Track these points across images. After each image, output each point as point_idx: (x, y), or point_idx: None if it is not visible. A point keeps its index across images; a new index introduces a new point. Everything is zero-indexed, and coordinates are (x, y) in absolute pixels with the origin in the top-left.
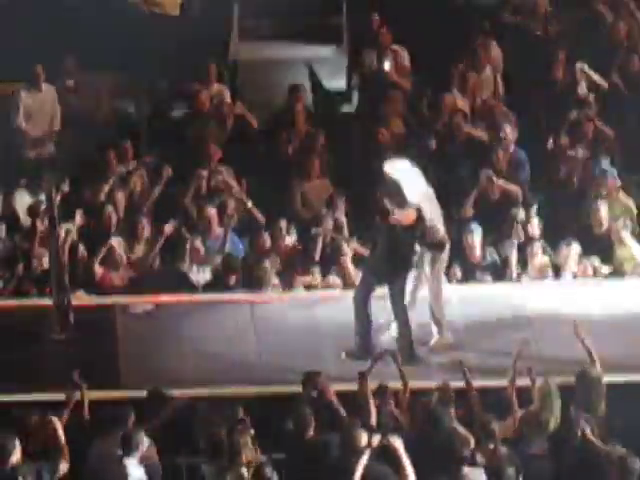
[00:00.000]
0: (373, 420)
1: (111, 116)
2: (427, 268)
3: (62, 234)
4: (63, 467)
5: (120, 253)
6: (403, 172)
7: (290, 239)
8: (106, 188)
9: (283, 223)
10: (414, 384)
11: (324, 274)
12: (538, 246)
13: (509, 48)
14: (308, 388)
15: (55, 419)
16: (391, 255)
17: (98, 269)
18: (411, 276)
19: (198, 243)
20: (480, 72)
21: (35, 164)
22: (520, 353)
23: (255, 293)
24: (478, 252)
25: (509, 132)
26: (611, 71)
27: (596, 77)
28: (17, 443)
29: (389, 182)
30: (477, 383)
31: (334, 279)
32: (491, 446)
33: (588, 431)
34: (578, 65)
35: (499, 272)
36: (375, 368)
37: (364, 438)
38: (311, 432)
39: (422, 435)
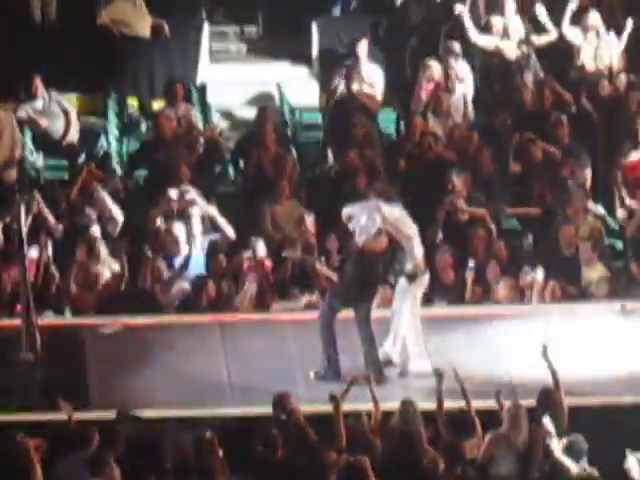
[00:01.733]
0: (343, 442)
1: (81, 137)
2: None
3: (31, 255)
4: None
5: (96, 272)
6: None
7: (268, 260)
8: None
9: (261, 244)
10: (388, 405)
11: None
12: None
13: (478, 70)
14: (278, 410)
15: (29, 441)
16: (359, 280)
17: (73, 288)
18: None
19: (162, 265)
20: (452, 94)
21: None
22: (458, 377)
23: (224, 314)
24: (449, 273)
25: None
26: (580, 95)
27: (561, 90)
28: None
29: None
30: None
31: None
32: (459, 469)
33: (556, 450)
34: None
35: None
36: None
37: (332, 458)
38: (279, 453)
39: (393, 457)
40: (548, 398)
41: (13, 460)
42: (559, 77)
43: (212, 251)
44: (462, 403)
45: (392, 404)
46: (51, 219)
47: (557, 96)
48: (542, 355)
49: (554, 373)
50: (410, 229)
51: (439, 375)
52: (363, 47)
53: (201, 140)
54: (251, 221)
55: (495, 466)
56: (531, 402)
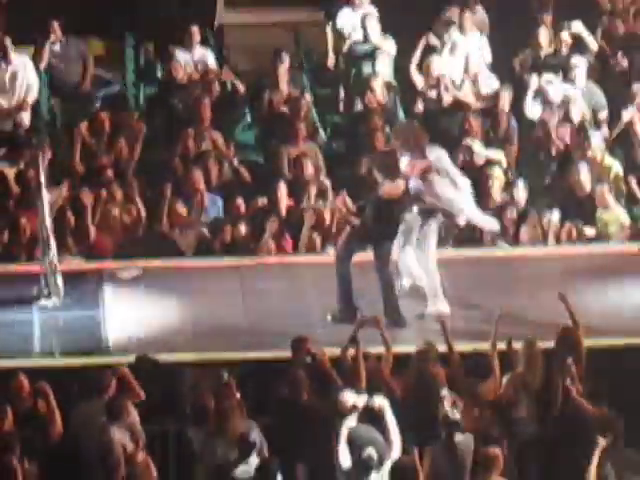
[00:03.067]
0: (363, 384)
1: (97, 81)
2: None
3: (49, 199)
4: (55, 433)
5: (115, 215)
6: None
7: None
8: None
9: (282, 186)
10: (404, 348)
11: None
12: (514, 211)
13: (494, 13)
14: (298, 353)
15: (47, 386)
16: (377, 223)
17: (93, 232)
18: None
19: (180, 207)
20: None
21: (13, 134)
22: (500, 318)
23: (243, 257)
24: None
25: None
26: (596, 36)
27: (588, 38)
28: (8, 409)
29: (382, 153)
30: (461, 347)
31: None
32: (476, 410)
33: (574, 391)
34: (567, 25)
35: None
36: (364, 332)
37: (352, 401)
38: (305, 396)
39: (413, 400)
40: (568, 338)
41: (34, 405)
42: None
43: (230, 194)
44: (478, 345)
45: (410, 347)
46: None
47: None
48: (560, 299)
49: (572, 315)
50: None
51: (442, 323)
52: None
53: (217, 83)
54: (268, 163)
55: (513, 408)
56: (548, 344)
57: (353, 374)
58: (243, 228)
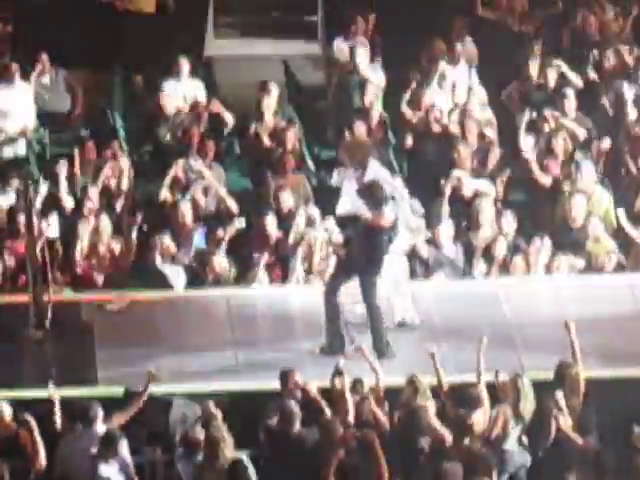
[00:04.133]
0: (351, 417)
1: (86, 113)
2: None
3: (40, 231)
4: (39, 466)
5: (104, 248)
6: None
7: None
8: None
9: (271, 217)
10: (391, 380)
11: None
12: (503, 242)
13: (484, 44)
14: (285, 385)
15: (31, 418)
16: (365, 253)
17: (81, 264)
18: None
19: (167, 240)
20: (455, 66)
21: (9, 163)
22: (482, 348)
23: (231, 289)
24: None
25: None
26: (586, 67)
27: (572, 75)
28: None
29: (368, 182)
30: (450, 379)
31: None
32: (466, 442)
33: (562, 423)
34: (554, 62)
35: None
36: (352, 364)
37: (341, 434)
38: (297, 428)
39: (401, 431)
40: (564, 372)
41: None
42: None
43: (213, 226)
44: (467, 377)
45: (398, 378)
46: (63, 195)
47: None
48: (565, 327)
49: (573, 346)
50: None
51: (432, 355)
52: (360, 25)
53: (205, 115)
54: (257, 195)
55: (504, 439)
56: (540, 375)
57: (340, 405)
58: (224, 260)
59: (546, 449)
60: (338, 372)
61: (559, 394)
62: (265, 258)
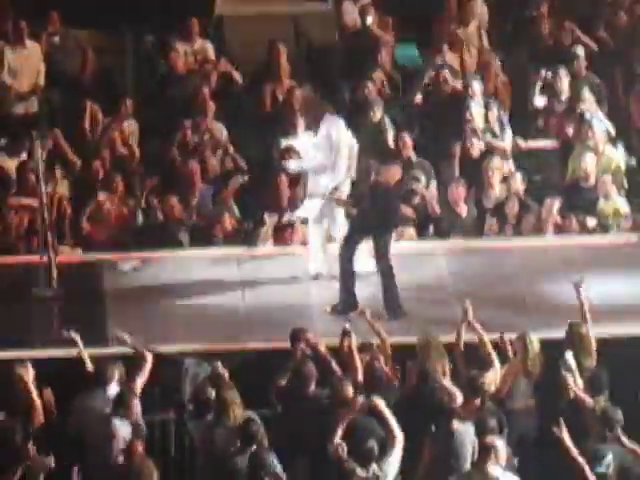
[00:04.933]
0: (360, 376)
1: (97, 72)
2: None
3: (48, 190)
4: (36, 421)
5: (108, 208)
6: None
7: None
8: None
9: (284, 177)
10: (401, 339)
11: None
12: (515, 201)
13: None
14: (296, 344)
15: (25, 374)
16: (376, 212)
17: (85, 225)
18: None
19: (174, 201)
20: (466, 27)
21: (20, 120)
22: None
23: (242, 247)
24: (464, 207)
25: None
26: (598, 26)
27: (586, 39)
28: None
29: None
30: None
31: None
32: (477, 401)
33: (571, 383)
34: (567, 25)
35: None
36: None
37: (351, 392)
38: (312, 387)
39: (411, 390)
40: (574, 332)
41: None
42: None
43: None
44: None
45: (410, 337)
46: (70, 154)
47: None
48: (574, 287)
49: (583, 306)
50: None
51: (464, 311)
52: None
53: (215, 74)
54: (267, 155)
55: (513, 398)
56: (549, 334)
57: (349, 365)
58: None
59: (558, 409)
60: (345, 333)
61: (568, 354)
62: (275, 218)
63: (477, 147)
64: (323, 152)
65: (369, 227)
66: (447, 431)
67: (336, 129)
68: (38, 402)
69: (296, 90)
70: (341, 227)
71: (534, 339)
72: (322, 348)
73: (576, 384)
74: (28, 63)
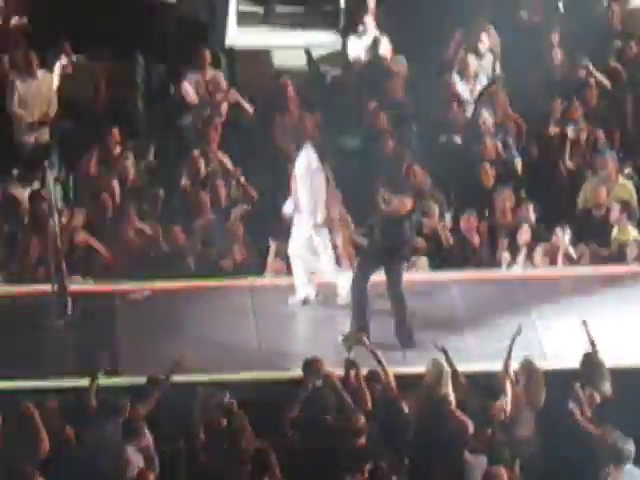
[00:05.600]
0: (369, 405)
1: (108, 102)
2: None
3: (61, 220)
4: (44, 449)
5: (122, 238)
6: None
7: None
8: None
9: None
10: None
11: None
12: (527, 230)
13: (503, 33)
14: (309, 374)
15: (31, 405)
16: (387, 242)
17: (99, 254)
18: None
19: (178, 230)
20: (482, 58)
21: (31, 150)
22: (514, 339)
23: (253, 277)
24: (475, 236)
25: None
26: (609, 57)
27: (599, 76)
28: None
29: (387, 168)
30: (475, 367)
31: None
32: (489, 431)
33: (577, 413)
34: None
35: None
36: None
37: (362, 422)
38: (329, 417)
39: (422, 420)
40: (588, 363)
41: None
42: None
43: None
44: (490, 366)
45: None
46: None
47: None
48: (583, 326)
49: (592, 342)
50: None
51: (444, 351)
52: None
53: (225, 105)
54: (278, 185)
55: (517, 426)
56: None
57: (358, 395)
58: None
59: (561, 439)
60: (351, 363)
61: (577, 385)
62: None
63: (490, 176)
64: (305, 183)
65: (380, 257)
66: (459, 462)
67: (312, 159)
68: (44, 433)
69: (306, 120)
70: (325, 257)
71: (537, 368)
72: (335, 379)
73: (584, 416)
74: (39, 93)
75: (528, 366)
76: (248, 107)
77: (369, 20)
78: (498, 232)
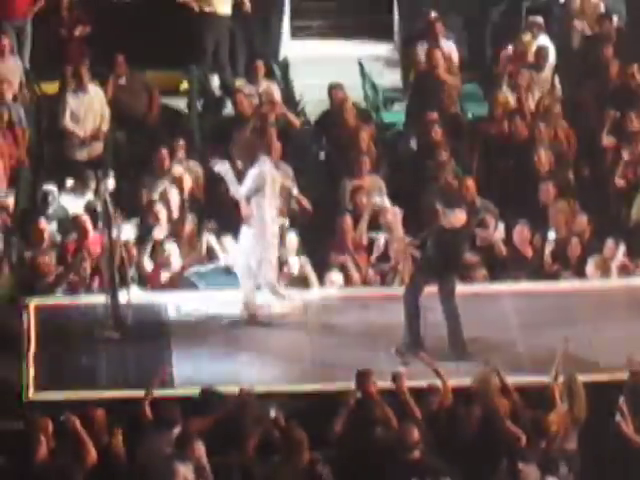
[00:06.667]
0: (418, 415)
1: (163, 114)
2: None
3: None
4: (89, 463)
5: (172, 259)
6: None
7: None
8: (160, 187)
9: (348, 219)
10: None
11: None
12: (578, 243)
13: (560, 46)
14: (362, 386)
15: (74, 417)
16: (441, 255)
17: (148, 264)
18: None
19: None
20: (539, 71)
21: (83, 165)
22: (564, 351)
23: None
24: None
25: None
26: None
27: None
28: (42, 439)
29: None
30: (526, 379)
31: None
32: (543, 443)
33: (624, 427)
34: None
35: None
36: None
37: (417, 435)
38: (378, 430)
39: (476, 432)
40: (632, 380)
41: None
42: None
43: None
44: (542, 377)
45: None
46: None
47: None
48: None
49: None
50: None
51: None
52: (439, 25)
53: (273, 116)
54: (332, 196)
55: (565, 440)
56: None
57: (407, 408)
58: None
59: (608, 452)
60: (396, 376)
61: (621, 399)
62: (341, 259)
63: (547, 190)
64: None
65: (434, 270)
66: (512, 472)
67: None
68: (90, 444)
69: (363, 131)
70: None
71: (579, 382)
72: (374, 391)
73: (629, 429)
74: (90, 108)
75: (573, 382)
76: (294, 119)
77: (424, 31)
78: (549, 244)
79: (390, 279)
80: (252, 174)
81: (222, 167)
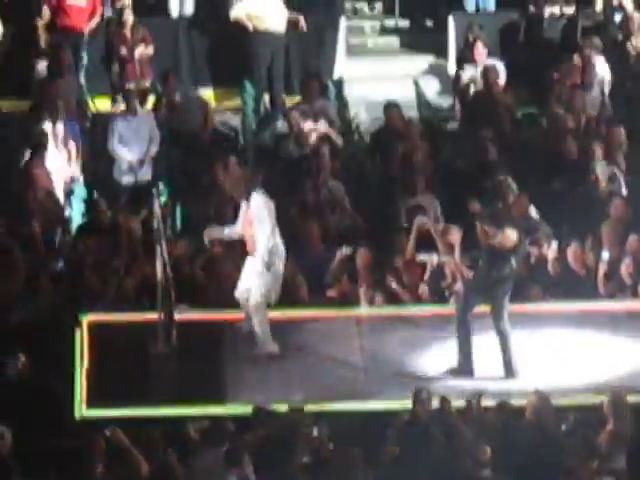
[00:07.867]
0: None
1: (217, 131)
2: None
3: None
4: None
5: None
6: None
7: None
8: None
9: (403, 237)
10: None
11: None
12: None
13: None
14: (419, 404)
15: (118, 431)
16: (493, 276)
17: (200, 277)
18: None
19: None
20: (588, 90)
21: (131, 188)
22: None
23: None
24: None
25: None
26: None
27: None
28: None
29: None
30: (577, 399)
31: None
32: (595, 462)
33: None
34: None
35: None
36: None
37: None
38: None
39: (530, 447)
40: None
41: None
42: None
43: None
44: (594, 398)
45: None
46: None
47: None
48: None
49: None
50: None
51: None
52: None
53: (314, 136)
54: (386, 215)
55: (612, 459)
56: None
57: (455, 430)
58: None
59: None
60: (443, 400)
61: None
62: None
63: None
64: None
65: (486, 290)
66: None
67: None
68: (139, 459)
69: (421, 152)
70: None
71: (625, 402)
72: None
73: None
74: (139, 132)
75: (619, 402)
76: (336, 138)
77: (479, 48)
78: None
79: (445, 298)
80: (263, 210)
81: (214, 233)
